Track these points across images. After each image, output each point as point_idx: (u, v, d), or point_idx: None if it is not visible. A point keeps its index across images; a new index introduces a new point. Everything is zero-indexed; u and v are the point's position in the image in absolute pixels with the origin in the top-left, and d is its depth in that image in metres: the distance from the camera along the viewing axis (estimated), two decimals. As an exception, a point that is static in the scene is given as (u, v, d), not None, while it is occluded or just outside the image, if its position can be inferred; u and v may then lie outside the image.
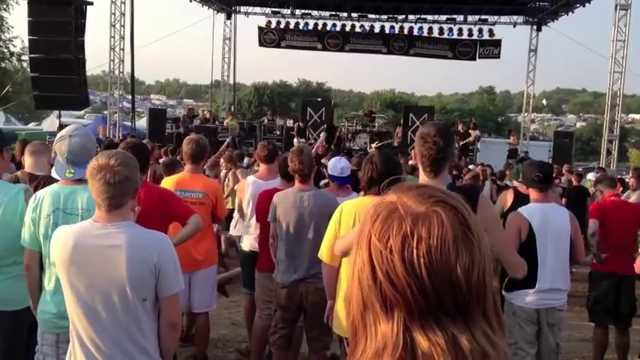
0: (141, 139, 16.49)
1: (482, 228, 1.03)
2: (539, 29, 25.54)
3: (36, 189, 4.35)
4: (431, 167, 3.09)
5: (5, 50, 31.21)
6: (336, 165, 5.37)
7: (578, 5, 22.15)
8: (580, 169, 17.43)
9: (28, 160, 4.78)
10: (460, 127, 21.57)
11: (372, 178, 3.90)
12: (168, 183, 5.38)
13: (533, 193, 4.71)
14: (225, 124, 21.97)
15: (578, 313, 7.60)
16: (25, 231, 3.45)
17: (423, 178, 3.15)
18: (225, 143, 14.88)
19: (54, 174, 3.63)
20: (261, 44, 27.56)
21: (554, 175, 10.82)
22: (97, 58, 23.69)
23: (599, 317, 6.16)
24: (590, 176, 13.12)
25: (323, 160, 11.18)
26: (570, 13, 23.40)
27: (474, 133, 21.44)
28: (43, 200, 3.41)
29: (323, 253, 4.05)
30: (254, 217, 5.72)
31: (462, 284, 0.96)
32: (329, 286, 4.21)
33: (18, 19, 25.84)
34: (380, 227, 1.00)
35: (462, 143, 20.30)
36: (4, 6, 30.23)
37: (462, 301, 0.97)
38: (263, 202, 5.31)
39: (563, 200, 11.47)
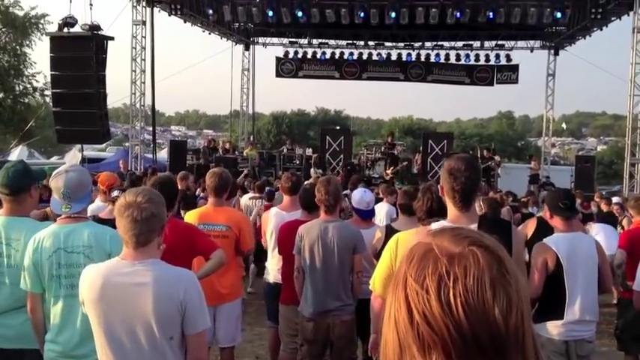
0: (161, 171, 16.66)
1: (519, 270, 1.02)
2: (556, 53, 25.49)
3: None
4: (462, 202, 3.08)
5: (28, 86, 31.71)
6: (363, 199, 5.37)
7: (595, 29, 22.08)
8: (604, 193, 17.23)
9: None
10: (485, 153, 21.51)
11: (432, 208, 3.84)
12: (191, 216, 5.40)
13: (558, 222, 4.63)
14: (244, 154, 22.09)
15: (608, 342, 7.46)
16: (24, 275, 3.47)
17: (452, 212, 3.14)
18: (243, 175, 14.97)
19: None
20: (278, 75, 27.76)
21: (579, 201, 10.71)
22: (117, 91, 24.02)
23: (628, 345, 6.04)
24: (615, 200, 12.95)
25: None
26: (588, 37, 23.35)
27: (494, 158, 21.37)
28: (43, 242, 3.44)
29: (375, 285, 3.95)
30: (277, 249, 5.72)
31: (500, 326, 0.95)
32: (378, 319, 4.10)
33: (40, 55, 26.33)
34: (416, 267, 1.00)
35: (482, 166, 20.29)
36: (27, 42, 30.81)
37: (501, 343, 0.95)
38: (285, 235, 5.31)
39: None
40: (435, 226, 3.14)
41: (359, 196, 5.61)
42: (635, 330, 5.93)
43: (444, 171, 3.17)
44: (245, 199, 11.00)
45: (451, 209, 3.15)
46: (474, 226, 3.03)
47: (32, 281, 3.45)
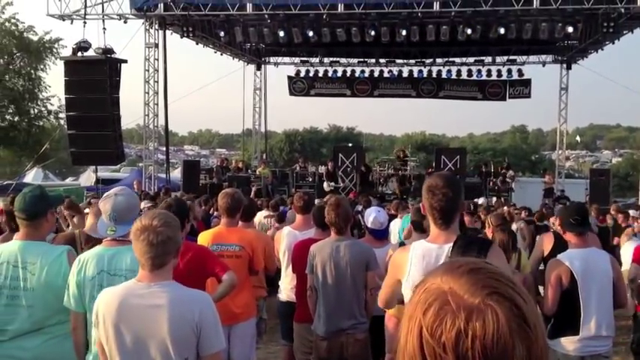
0: (175, 191, 16.75)
1: (538, 315, 1.00)
2: (568, 67, 25.46)
3: None
4: (442, 219, 3.06)
5: (43, 109, 32.09)
6: (378, 219, 5.39)
7: (607, 42, 22.06)
8: (620, 205, 17.13)
9: (90, 221, 4.92)
10: (499, 168, 21.54)
11: None
12: (205, 237, 5.43)
13: (571, 238, 4.62)
14: (257, 172, 22.19)
15: (625, 356, 7.38)
16: (69, 294, 3.52)
17: (433, 230, 3.14)
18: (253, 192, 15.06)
19: (96, 232, 3.72)
20: (291, 93, 27.95)
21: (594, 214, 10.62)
22: (131, 112, 24.26)
23: None
24: (632, 213, 12.88)
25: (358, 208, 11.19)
26: (600, 50, 23.33)
27: (507, 173, 21.35)
28: (87, 263, 3.49)
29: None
30: (290, 268, 5.74)
31: None
32: (392, 339, 4.08)
33: (55, 79, 26.67)
34: (432, 321, 0.97)
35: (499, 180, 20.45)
36: (42, 66, 31.22)
37: None
38: (299, 253, 5.33)
39: (616, 242, 11.24)
40: (414, 246, 3.15)
41: (373, 216, 5.63)
42: None
43: (423, 188, 3.16)
44: (259, 217, 11.01)
45: (432, 227, 3.15)
46: (450, 245, 3.02)
47: (75, 301, 3.49)
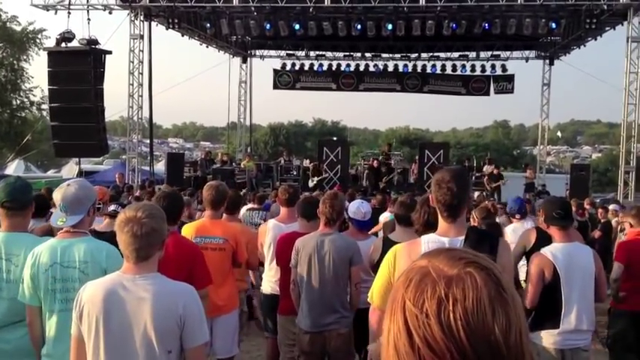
0: (159, 184, 16.68)
1: (514, 288, 1.02)
2: (551, 63, 25.67)
3: None
4: (447, 212, 3.13)
5: (25, 100, 31.81)
6: (360, 209, 5.40)
7: (589, 39, 22.26)
8: (597, 201, 17.32)
9: None
10: (495, 171, 21.35)
11: (429, 221, 3.86)
12: (189, 229, 5.42)
13: (555, 232, 4.65)
14: (242, 165, 22.14)
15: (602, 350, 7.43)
16: (24, 287, 3.49)
17: (441, 222, 3.19)
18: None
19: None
20: (275, 87, 27.91)
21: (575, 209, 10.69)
22: (115, 104, 24.09)
23: (620, 356, 5.98)
24: (612, 208, 13.01)
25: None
26: (582, 47, 23.52)
27: (490, 168, 21.43)
28: (40, 255, 3.46)
29: (373, 297, 3.76)
30: (274, 261, 5.75)
31: (501, 345, 0.95)
32: (375, 332, 4.09)
33: (38, 70, 26.42)
34: (414, 292, 0.99)
35: (494, 185, 20.38)
36: (25, 57, 30.92)
37: None
38: (283, 246, 5.33)
39: (597, 235, 11.36)
40: (425, 239, 3.19)
41: (355, 206, 5.65)
42: (626, 340, 5.89)
43: (432, 181, 3.25)
44: (243, 210, 10.99)
45: (440, 220, 3.21)
46: (462, 238, 3.09)
47: (30, 294, 3.47)
